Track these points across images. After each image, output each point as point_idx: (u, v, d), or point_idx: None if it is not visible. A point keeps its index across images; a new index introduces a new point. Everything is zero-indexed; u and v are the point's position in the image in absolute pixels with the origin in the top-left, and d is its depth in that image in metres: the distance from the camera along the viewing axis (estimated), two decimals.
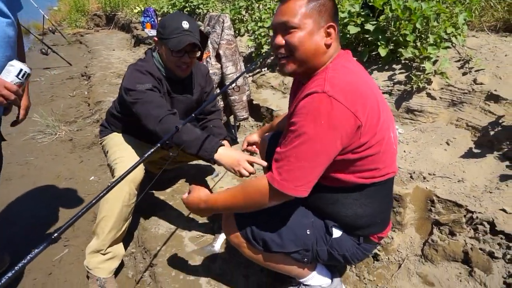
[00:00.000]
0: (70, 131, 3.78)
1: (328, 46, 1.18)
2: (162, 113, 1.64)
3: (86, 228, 2.25)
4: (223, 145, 1.59)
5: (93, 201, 0.82)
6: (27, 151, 3.34)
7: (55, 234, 0.70)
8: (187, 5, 6.96)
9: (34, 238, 2.18)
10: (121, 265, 1.92)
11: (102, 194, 0.87)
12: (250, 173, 1.51)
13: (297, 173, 1.11)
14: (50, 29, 9.18)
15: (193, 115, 1.50)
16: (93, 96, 4.69)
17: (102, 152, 2.17)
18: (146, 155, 1.22)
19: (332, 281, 1.56)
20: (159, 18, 6.97)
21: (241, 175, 1.52)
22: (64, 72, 6.27)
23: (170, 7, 7.60)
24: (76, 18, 11.78)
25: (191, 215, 2.21)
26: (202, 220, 2.18)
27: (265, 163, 1.51)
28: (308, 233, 1.32)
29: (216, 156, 1.55)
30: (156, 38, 1.85)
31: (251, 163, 1.52)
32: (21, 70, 1.37)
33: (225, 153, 1.55)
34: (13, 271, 0.60)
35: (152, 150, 1.22)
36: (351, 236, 1.35)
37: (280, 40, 1.18)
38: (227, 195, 1.29)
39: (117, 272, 1.86)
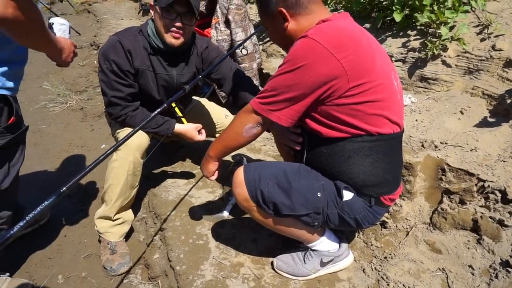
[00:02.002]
0: (80, 100, 3.79)
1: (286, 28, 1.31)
2: (122, 113, 1.80)
3: (99, 194, 2.31)
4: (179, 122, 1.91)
5: (100, 158, 0.83)
6: (39, 119, 3.37)
7: (64, 188, 0.71)
8: None
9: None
10: (132, 229, 1.97)
11: (109, 151, 0.87)
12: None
13: (271, 99, 1.23)
14: None
15: (184, 88, 1.59)
16: None
17: None
18: (136, 128, 1.25)
19: (340, 246, 1.58)
20: None
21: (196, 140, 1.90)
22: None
23: None
24: None
25: (200, 182, 2.24)
26: (211, 186, 2.20)
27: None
28: (319, 195, 1.32)
29: (176, 130, 1.86)
30: (151, 3, 1.76)
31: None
32: (70, 27, 1.54)
33: (180, 127, 1.88)
34: (24, 221, 0.62)
35: (138, 128, 1.28)
36: (362, 198, 1.34)
37: None
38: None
39: (128, 236, 1.91)
